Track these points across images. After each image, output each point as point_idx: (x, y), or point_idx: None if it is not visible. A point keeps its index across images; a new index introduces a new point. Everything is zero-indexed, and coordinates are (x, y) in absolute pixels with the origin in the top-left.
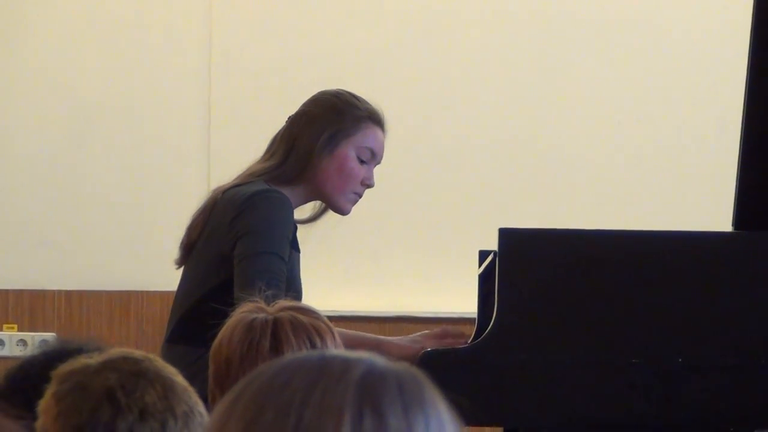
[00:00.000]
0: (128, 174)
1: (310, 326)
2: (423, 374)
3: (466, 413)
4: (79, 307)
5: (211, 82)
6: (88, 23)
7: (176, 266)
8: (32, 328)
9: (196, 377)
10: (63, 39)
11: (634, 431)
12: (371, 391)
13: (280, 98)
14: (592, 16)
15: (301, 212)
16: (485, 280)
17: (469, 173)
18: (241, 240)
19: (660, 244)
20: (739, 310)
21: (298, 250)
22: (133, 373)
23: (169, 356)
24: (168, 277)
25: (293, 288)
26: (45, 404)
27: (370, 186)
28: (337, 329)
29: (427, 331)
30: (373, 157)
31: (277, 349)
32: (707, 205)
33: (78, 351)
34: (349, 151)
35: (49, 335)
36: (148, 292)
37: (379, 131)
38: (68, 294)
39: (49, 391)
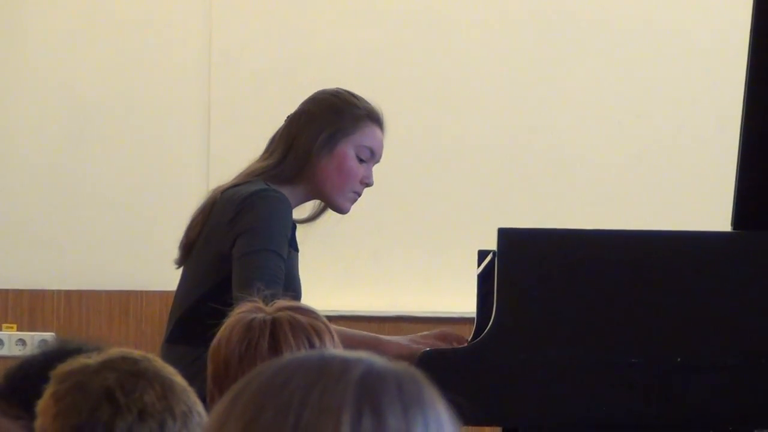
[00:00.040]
0: (128, 174)
1: (308, 326)
2: (422, 374)
3: (465, 413)
4: (78, 306)
5: (210, 82)
6: (88, 23)
7: (176, 266)
8: (31, 328)
9: (195, 377)
10: (63, 39)
11: (634, 431)
12: (370, 391)
13: (279, 98)
14: (592, 16)
15: (301, 212)
16: (484, 280)
17: (468, 173)
18: (239, 238)
19: (659, 244)
20: (738, 309)
21: (296, 250)
22: (132, 373)
23: (168, 356)
24: (167, 277)
25: (292, 288)
26: (44, 404)
27: (369, 185)
28: (335, 327)
29: (426, 332)
30: (372, 156)
31: (275, 349)
32: (706, 205)
33: (77, 351)
34: (348, 150)
35: (49, 335)
36: (147, 292)
37: (377, 130)
38: (67, 294)
39: (48, 390)
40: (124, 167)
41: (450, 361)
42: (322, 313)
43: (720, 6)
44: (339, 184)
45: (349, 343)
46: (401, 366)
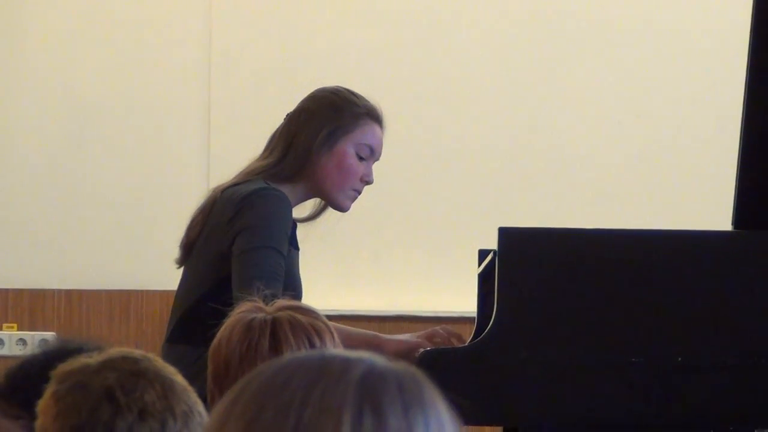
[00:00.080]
0: (128, 173)
1: (309, 326)
2: (422, 374)
3: (465, 413)
4: (78, 306)
5: (210, 82)
6: (88, 23)
7: (177, 266)
8: (32, 328)
9: (196, 377)
10: (63, 39)
11: (634, 430)
12: (371, 390)
13: (279, 98)
14: (592, 15)
15: (301, 210)
16: (485, 280)
17: (468, 172)
18: (239, 236)
19: (660, 244)
20: (738, 309)
21: (297, 248)
22: (132, 372)
23: (169, 356)
24: (167, 277)
25: (293, 286)
26: (44, 404)
27: (369, 183)
28: (334, 325)
29: (428, 330)
30: (371, 154)
31: (276, 349)
32: (707, 205)
33: (78, 350)
34: (347, 148)
35: (49, 334)
36: (147, 292)
37: (377, 128)
38: (68, 293)
39: (49, 390)
40: (124, 167)
41: (450, 360)
42: (322, 313)
43: (720, 6)
44: (339, 182)
45: (348, 340)
46: (402, 366)
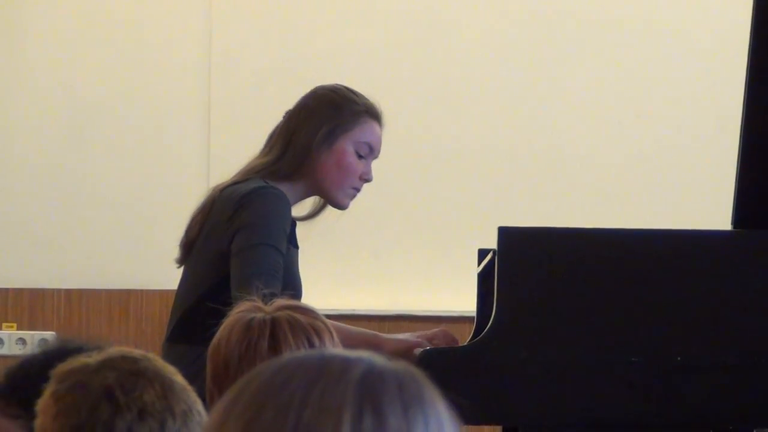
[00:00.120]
0: (128, 173)
1: (308, 326)
2: (422, 373)
3: (465, 412)
4: (78, 305)
5: (210, 82)
6: (88, 23)
7: (177, 265)
8: (32, 327)
9: (196, 377)
10: (63, 39)
11: (634, 430)
12: (371, 390)
13: (279, 98)
14: (592, 15)
15: (301, 209)
16: (484, 279)
17: (468, 172)
18: (237, 235)
19: (659, 243)
20: (738, 308)
21: (297, 247)
22: (131, 372)
23: (169, 355)
24: (167, 276)
25: (292, 285)
26: (44, 403)
27: (368, 181)
28: (333, 323)
29: (428, 331)
30: (371, 151)
31: (275, 349)
32: (707, 204)
33: (78, 350)
34: (347, 146)
35: (49, 334)
36: (147, 291)
37: (376, 126)
38: (68, 293)
39: (48, 390)
40: (124, 167)
41: (450, 360)
42: (322, 312)
43: (720, 6)
44: (338, 180)
45: (347, 340)
46: (402, 365)
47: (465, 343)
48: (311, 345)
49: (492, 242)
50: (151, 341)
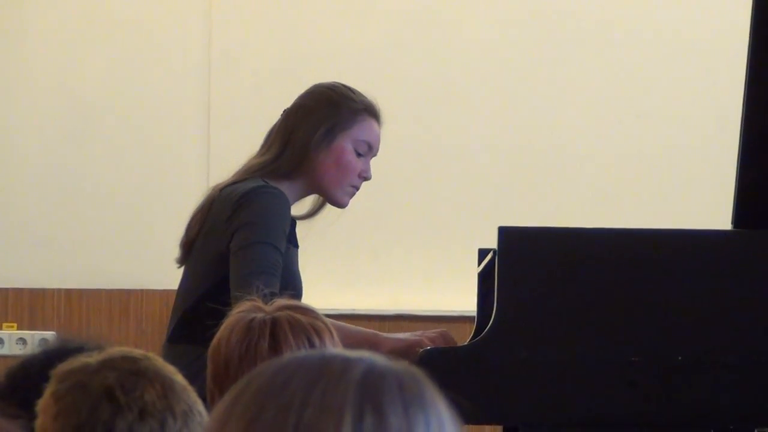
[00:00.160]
0: (128, 173)
1: (308, 326)
2: (423, 373)
3: (465, 412)
4: (78, 305)
5: (210, 81)
6: (88, 23)
7: (177, 265)
8: (32, 327)
9: (196, 376)
10: (63, 39)
11: (634, 429)
12: (372, 390)
13: (279, 98)
14: (592, 14)
15: (300, 207)
16: (485, 279)
17: (468, 171)
18: (236, 233)
19: (660, 243)
20: (739, 308)
21: (297, 246)
22: (132, 372)
23: (170, 355)
24: (167, 276)
25: (293, 285)
26: (44, 403)
27: (367, 179)
28: (333, 322)
29: (427, 331)
30: (369, 149)
31: (275, 349)
32: (707, 204)
33: (79, 350)
34: (346, 144)
35: (49, 334)
36: (147, 291)
37: (375, 123)
38: (68, 292)
39: (48, 390)
40: (124, 167)
41: (451, 359)
42: (322, 312)
43: (720, 6)
44: (337, 179)
45: (346, 339)
46: (402, 365)
47: (465, 343)
48: (312, 345)
49: (492, 242)
50: (152, 341)
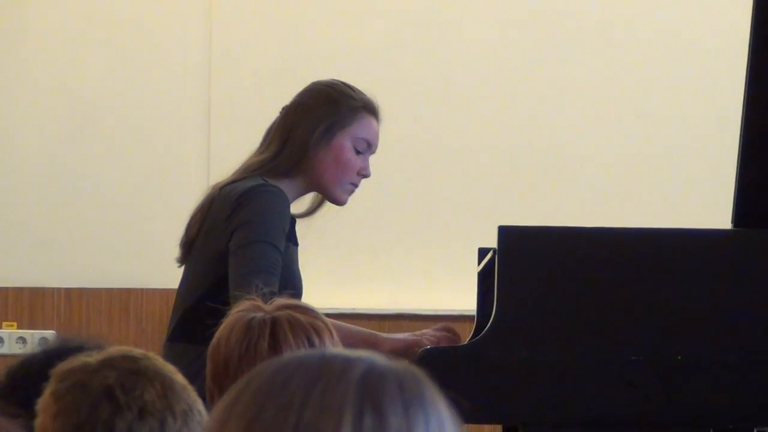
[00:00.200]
0: (128, 172)
1: (308, 325)
2: (423, 372)
3: (465, 411)
4: (78, 304)
5: (210, 81)
6: (88, 23)
7: (177, 264)
8: (32, 326)
9: (196, 376)
10: (63, 39)
11: (634, 429)
12: (372, 390)
13: (279, 98)
14: (592, 14)
15: (300, 205)
16: (485, 278)
17: (468, 171)
18: (235, 232)
19: (660, 242)
20: (739, 307)
21: (296, 244)
22: (132, 371)
23: (170, 355)
24: (167, 275)
25: (292, 283)
26: (44, 403)
27: (366, 176)
28: (332, 322)
29: (427, 330)
30: (368, 147)
31: (275, 348)
32: (707, 203)
33: (78, 349)
34: (345, 142)
35: (49, 333)
36: (147, 290)
37: (373, 121)
38: (68, 291)
39: (48, 389)
40: (124, 166)
41: (450, 359)
42: (322, 311)
43: (720, 6)
44: (337, 177)
45: (346, 339)
46: (402, 364)
47: (465, 342)
48: (311, 344)
49: (492, 241)
50: (152, 340)
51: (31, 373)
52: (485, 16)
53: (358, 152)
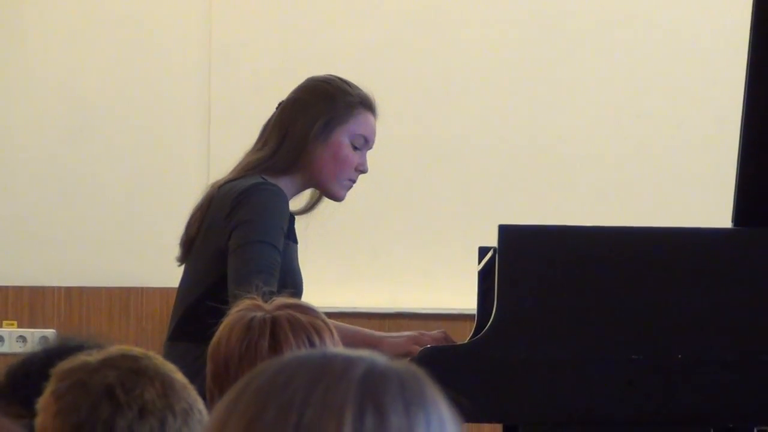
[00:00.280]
0: (128, 172)
1: (308, 325)
2: (423, 372)
3: (466, 410)
4: (78, 303)
5: (210, 81)
6: (88, 23)
7: (178, 263)
8: (32, 325)
9: (197, 375)
10: (63, 39)
11: (634, 427)
12: (373, 389)
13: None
14: (592, 14)
15: (298, 202)
16: (485, 277)
17: (468, 169)
18: (234, 232)
19: (660, 241)
20: (738, 306)
21: (296, 242)
22: (132, 370)
23: (170, 354)
24: (167, 274)
25: (292, 281)
26: (44, 402)
27: (363, 172)
28: (332, 322)
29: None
30: (366, 143)
31: (276, 348)
32: (707, 202)
33: (79, 348)
34: (342, 138)
35: (49, 332)
36: (147, 289)
37: (370, 116)
38: (68, 290)
39: (49, 388)
40: (124, 166)
41: (451, 358)
42: (322, 310)
43: (720, 6)
44: (335, 173)
45: (345, 338)
46: (403, 364)
47: (466, 341)
48: (312, 344)
49: (492, 239)
50: (152, 339)
51: (31, 372)
52: (485, 16)
53: (355, 148)
